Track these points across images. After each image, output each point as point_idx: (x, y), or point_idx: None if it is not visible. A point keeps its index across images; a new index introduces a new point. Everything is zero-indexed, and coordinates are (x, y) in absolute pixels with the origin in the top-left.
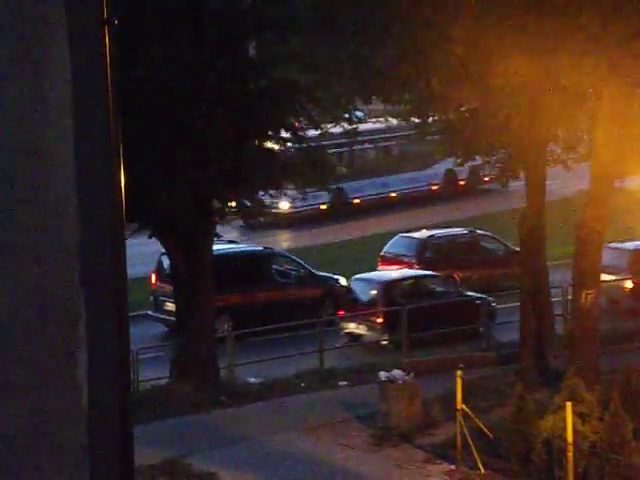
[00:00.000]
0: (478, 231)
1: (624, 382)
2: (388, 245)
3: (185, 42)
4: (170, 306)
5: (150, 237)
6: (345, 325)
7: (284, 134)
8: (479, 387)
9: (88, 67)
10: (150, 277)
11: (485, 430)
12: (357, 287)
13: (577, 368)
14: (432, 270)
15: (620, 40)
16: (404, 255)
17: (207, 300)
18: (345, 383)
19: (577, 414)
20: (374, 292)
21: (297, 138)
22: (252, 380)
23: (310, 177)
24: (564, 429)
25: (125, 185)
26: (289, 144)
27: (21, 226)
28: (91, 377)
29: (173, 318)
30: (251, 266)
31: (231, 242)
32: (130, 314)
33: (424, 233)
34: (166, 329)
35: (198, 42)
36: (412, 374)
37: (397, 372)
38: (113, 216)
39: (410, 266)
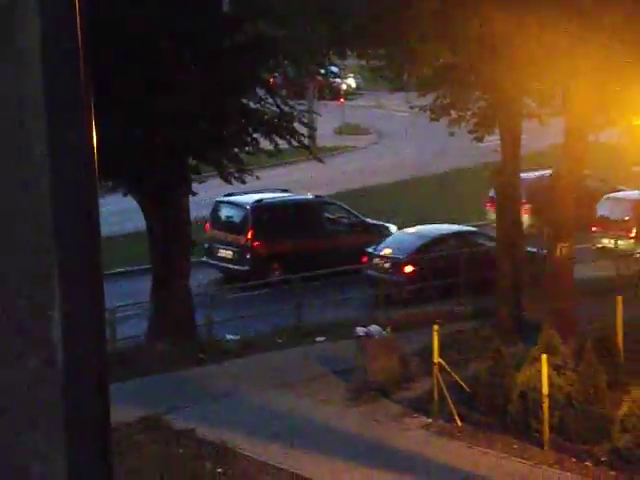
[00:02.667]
0: None
1: (599, 333)
2: None
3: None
4: (224, 253)
5: (125, 195)
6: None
7: (260, 90)
8: (456, 341)
9: (57, 16)
10: (205, 225)
11: (461, 383)
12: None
13: (552, 320)
14: None
15: None
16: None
17: (183, 257)
18: (323, 339)
19: (552, 366)
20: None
21: (272, 94)
22: (229, 337)
23: (285, 134)
24: (539, 381)
25: (98, 141)
26: (264, 101)
27: None
28: (66, 335)
29: (227, 265)
30: (301, 214)
31: (284, 191)
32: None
33: None
34: (220, 275)
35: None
36: (389, 329)
37: (374, 327)
38: (85, 172)
39: None
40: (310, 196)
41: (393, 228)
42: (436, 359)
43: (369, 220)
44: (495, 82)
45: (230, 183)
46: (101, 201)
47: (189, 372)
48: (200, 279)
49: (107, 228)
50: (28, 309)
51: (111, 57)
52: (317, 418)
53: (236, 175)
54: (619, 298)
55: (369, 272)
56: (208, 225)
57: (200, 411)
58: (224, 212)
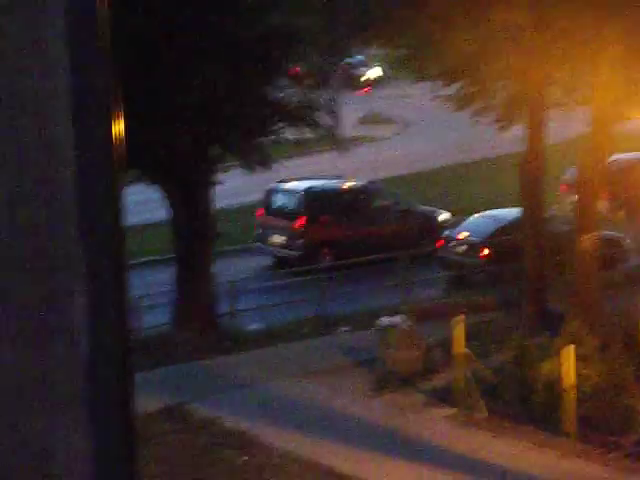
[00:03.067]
0: None
1: (625, 324)
2: None
3: None
4: (276, 239)
5: (149, 184)
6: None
7: (284, 79)
8: (481, 331)
9: (84, 11)
10: (257, 211)
11: (486, 374)
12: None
13: (578, 311)
14: None
15: None
16: None
17: (207, 247)
18: (347, 329)
19: (578, 357)
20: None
21: (296, 83)
22: (254, 326)
23: (309, 123)
24: (565, 372)
25: (125, 132)
26: (289, 90)
27: (21, 177)
28: (90, 323)
29: (279, 250)
30: (353, 200)
31: (337, 177)
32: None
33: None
34: (273, 260)
35: None
36: (413, 319)
37: (398, 317)
38: (112, 164)
39: None
40: (362, 182)
41: (445, 215)
42: (461, 349)
43: (419, 206)
44: (521, 71)
45: (253, 171)
46: (126, 190)
47: (213, 361)
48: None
49: (131, 217)
50: (52, 295)
51: (136, 50)
52: (341, 407)
53: (259, 164)
54: None
55: (443, 255)
56: (260, 211)
57: (224, 400)
58: (277, 198)
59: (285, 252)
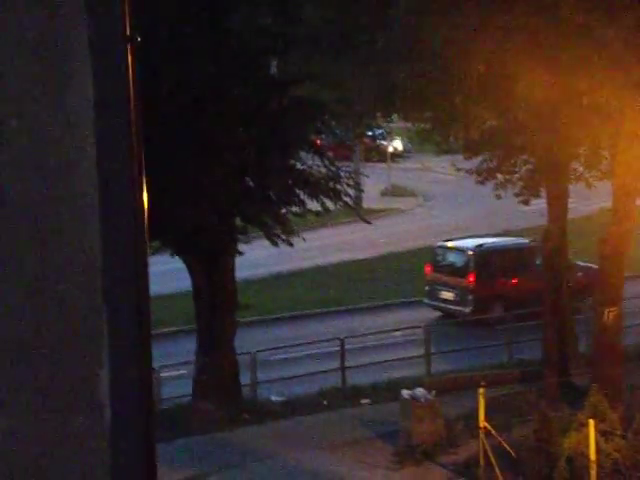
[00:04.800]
0: None
1: None
2: None
3: (204, 60)
4: (445, 294)
5: (172, 256)
6: None
7: (307, 151)
8: (502, 405)
9: (111, 85)
10: (425, 268)
11: (508, 448)
12: None
13: (600, 385)
14: None
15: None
16: None
17: (229, 318)
18: (367, 401)
19: (600, 432)
20: None
21: (320, 156)
22: (274, 398)
23: (332, 195)
24: (587, 447)
25: (148, 203)
26: (312, 162)
27: (46, 246)
28: (113, 396)
29: (448, 306)
30: (518, 257)
31: (499, 236)
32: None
33: None
34: (441, 314)
35: (217, 60)
36: (434, 392)
37: (419, 390)
38: (136, 233)
39: None
40: (525, 240)
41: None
42: (482, 423)
43: (580, 262)
44: (541, 146)
45: (276, 245)
46: (150, 260)
47: (233, 433)
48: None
49: (155, 287)
50: (77, 368)
51: (159, 121)
52: None
53: (282, 237)
54: None
55: None
56: (428, 268)
57: (244, 472)
58: (445, 256)
59: (455, 307)
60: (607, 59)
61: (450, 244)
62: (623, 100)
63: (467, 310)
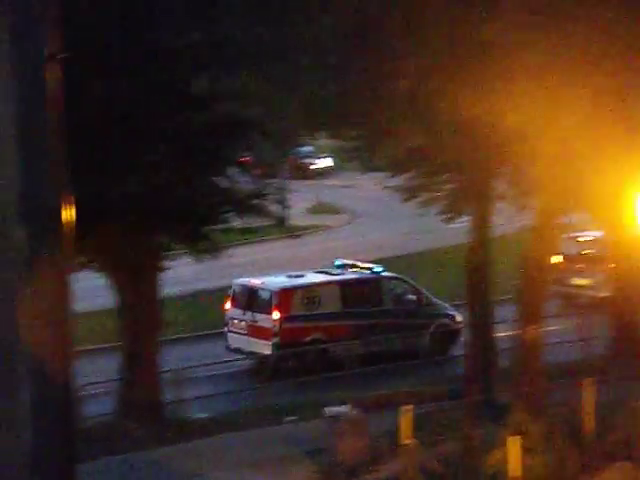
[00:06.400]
0: None
1: (570, 416)
2: None
3: (124, 79)
4: (579, 281)
5: (96, 272)
6: None
7: (232, 169)
8: (427, 422)
9: (33, 101)
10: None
11: (432, 465)
12: None
13: (522, 402)
14: None
15: (562, 81)
16: None
17: (153, 335)
18: (293, 418)
19: (523, 448)
20: None
21: (246, 173)
22: (198, 416)
23: (258, 213)
24: (510, 463)
25: (74, 218)
26: (238, 179)
27: None
28: (34, 415)
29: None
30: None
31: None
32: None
33: None
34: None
35: (139, 76)
36: (359, 409)
37: (343, 407)
38: (59, 252)
39: None
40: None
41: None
42: (405, 440)
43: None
44: (465, 164)
45: (201, 261)
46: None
47: (156, 452)
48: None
49: (78, 304)
50: None
51: (88, 140)
52: None
53: (208, 253)
54: (588, 381)
55: None
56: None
57: None
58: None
59: (590, 293)
60: (527, 80)
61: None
62: (542, 120)
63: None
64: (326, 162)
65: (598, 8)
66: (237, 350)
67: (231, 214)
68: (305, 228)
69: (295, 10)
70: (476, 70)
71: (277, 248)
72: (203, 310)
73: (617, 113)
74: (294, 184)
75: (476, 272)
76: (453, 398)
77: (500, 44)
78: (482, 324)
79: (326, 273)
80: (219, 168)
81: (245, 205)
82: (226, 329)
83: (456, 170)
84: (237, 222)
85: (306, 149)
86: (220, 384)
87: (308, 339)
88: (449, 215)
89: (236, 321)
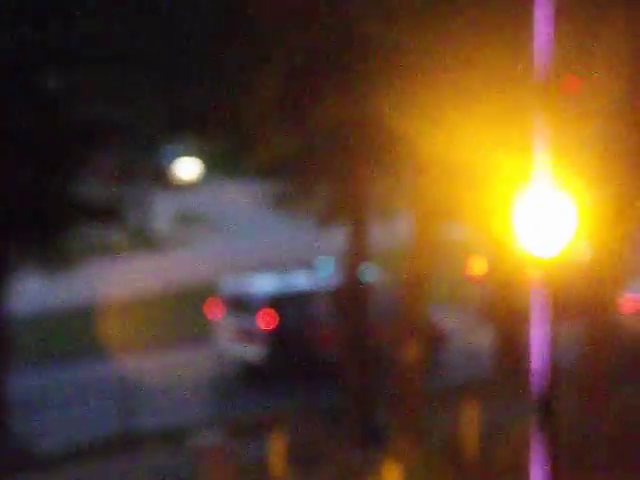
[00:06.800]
0: None
1: (452, 440)
2: None
3: None
4: None
5: None
6: None
7: (88, 173)
8: (300, 448)
9: None
10: None
11: None
12: None
13: (401, 426)
14: None
15: (438, 81)
16: None
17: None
18: (156, 446)
19: (400, 475)
20: None
21: (103, 178)
22: (47, 445)
23: (116, 223)
24: None
25: None
26: (94, 186)
27: None
28: None
29: None
30: None
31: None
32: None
33: None
34: None
35: None
36: (226, 436)
37: (210, 434)
38: None
39: None
40: None
41: None
42: (276, 468)
43: None
44: (340, 173)
45: (51, 276)
46: None
47: None
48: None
49: None
50: None
51: None
52: None
53: (59, 268)
54: (471, 402)
55: None
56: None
57: None
58: None
59: None
60: (403, 81)
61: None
62: (417, 124)
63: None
64: (193, 168)
65: (472, 9)
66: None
67: (87, 224)
68: (170, 240)
69: (154, 10)
70: (349, 71)
71: (136, 262)
72: (55, 329)
73: (498, 116)
74: (157, 191)
75: (350, 289)
76: (331, 422)
77: (377, 43)
78: (359, 344)
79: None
80: (71, 171)
81: (101, 213)
82: (216, 335)
83: (330, 176)
84: (94, 233)
85: (171, 153)
86: (77, 410)
87: None
88: (323, 226)
89: (226, 326)
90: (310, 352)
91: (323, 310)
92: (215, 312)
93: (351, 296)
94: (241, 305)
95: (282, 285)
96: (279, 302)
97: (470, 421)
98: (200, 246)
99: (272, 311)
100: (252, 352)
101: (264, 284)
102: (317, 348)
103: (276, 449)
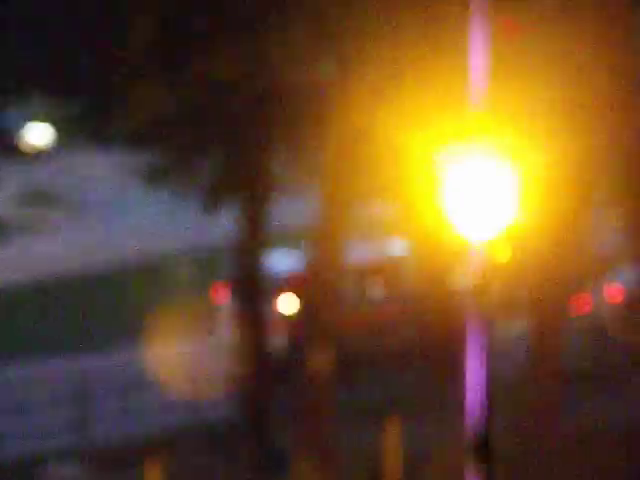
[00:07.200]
0: None
1: (370, 463)
2: None
3: None
4: None
5: None
6: None
7: None
8: (187, 476)
9: None
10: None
11: None
12: None
13: (306, 448)
14: None
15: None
16: None
17: None
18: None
19: None
20: None
21: None
22: None
23: None
24: None
25: None
26: None
27: None
28: None
29: None
30: None
31: None
32: None
33: None
34: None
35: None
36: (84, 466)
37: (67, 465)
38: None
39: None
40: None
41: None
42: None
43: None
44: (230, 139)
45: None
46: None
47: None
48: None
49: None
50: None
51: None
52: None
53: None
54: (392, 419)
55: None
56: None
57: None
58: None
59: None
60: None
61: None
62: (323, 80)
63: None
64: (43, 135)
65: None
66: None
67: None
68: (15, 225)
69: None
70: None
71: None
72: None
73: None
74: None
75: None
76: (222, 445)
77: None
78: (255, 352)
79: None
80: None
81: None
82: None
83: (220, 145)
84: None
85: (15, 117)
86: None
87: None
88: (209, 206)
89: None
90: None
91: None
92: None
93: (246, 290)
94: None
95: None
96: None
97: (391, 439)
98: (57, 232)
99: None
100: None
101: None
102: None
103: None
